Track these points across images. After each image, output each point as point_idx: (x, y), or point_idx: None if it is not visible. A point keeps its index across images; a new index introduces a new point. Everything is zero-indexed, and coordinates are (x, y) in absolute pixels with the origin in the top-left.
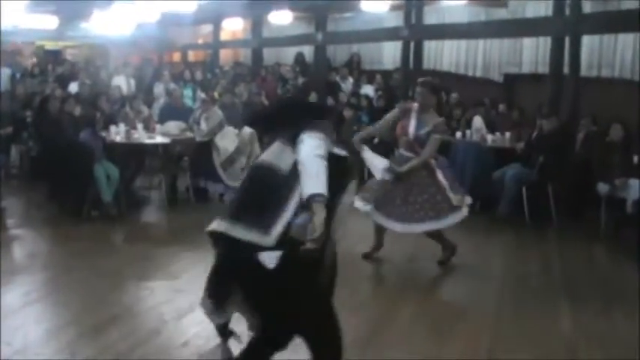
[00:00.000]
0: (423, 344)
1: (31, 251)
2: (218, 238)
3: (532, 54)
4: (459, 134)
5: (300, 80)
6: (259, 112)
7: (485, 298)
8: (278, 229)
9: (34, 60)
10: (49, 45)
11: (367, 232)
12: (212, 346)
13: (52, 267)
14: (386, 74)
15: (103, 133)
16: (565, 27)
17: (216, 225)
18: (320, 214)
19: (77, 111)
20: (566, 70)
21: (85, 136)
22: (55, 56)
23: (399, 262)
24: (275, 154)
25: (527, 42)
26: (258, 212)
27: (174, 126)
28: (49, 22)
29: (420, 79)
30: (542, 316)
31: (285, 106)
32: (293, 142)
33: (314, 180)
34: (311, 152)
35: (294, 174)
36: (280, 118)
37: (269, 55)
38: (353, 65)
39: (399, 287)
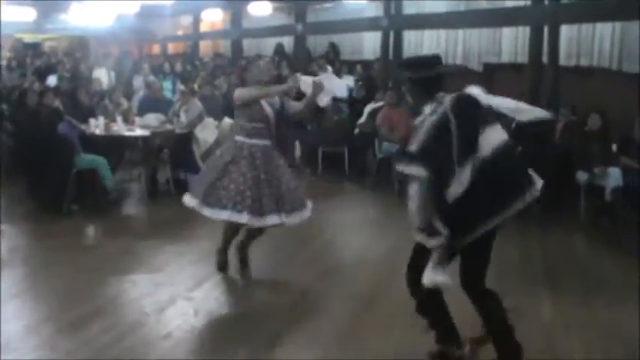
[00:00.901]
0: (404, 334)
1: (10, 246)
2: None
3: (511, 43)
4: None
5: (284, 71)
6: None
7: None
8: None
9: (8, 54)
10: (28, 37)
11: (350, 222)
12: (194, 338)
13: (32, 262)
14: (366, 64)
15: (83, 126)
16: (544, 16)
17: None
18: None
19: (56, 104)
20: (545, 59)
21: (64, 129)
22: (35, 49)
23: (380, 253)
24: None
25: (507, 31)
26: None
27: (153, 118)
28: (26, 14)
29: None
30: (522, 305)
31: None
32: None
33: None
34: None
35: None
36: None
37: (249, 46)
38: (329, 56)
39: (380, 277)
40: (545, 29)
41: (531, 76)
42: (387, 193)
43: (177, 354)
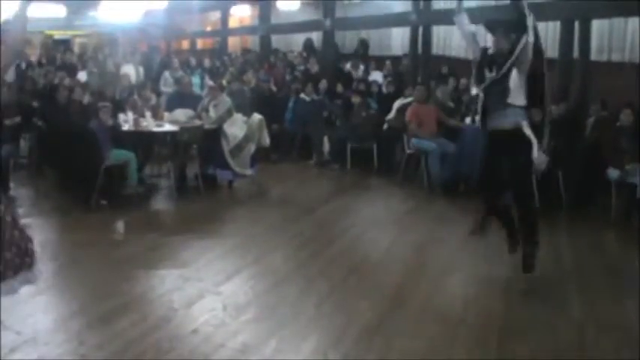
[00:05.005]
0: (432, 331)
1: (40, 240)
2: None
3: (542, 38)
4: (468, 120)
5: (313, 67)
6: None
7: (495, 284)
8: None
9: (37, 51)
10: (58, 34)
11: (378, 218)
12: (222, 333)
13: (61, 256)
14: (395, 60)
15: (110, 122)
16: (574, 11)
17: None
18: None
19: (85, 99)
20: (575, 54)
21: (94, 125)
22: (65, 45)
23: (407, 249)
24: None
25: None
26: None
27: (182, 114)
28: (57, 11)
29: None
30: (552, 303)
31: None
32: None
33: None
34: None
35: None
36: None
37: (277, 41)
38: (359, 52)
39: (408, 274)
40: (576, 24)
41: (562, 72)
42: (415, 189)
43: (205, 349)
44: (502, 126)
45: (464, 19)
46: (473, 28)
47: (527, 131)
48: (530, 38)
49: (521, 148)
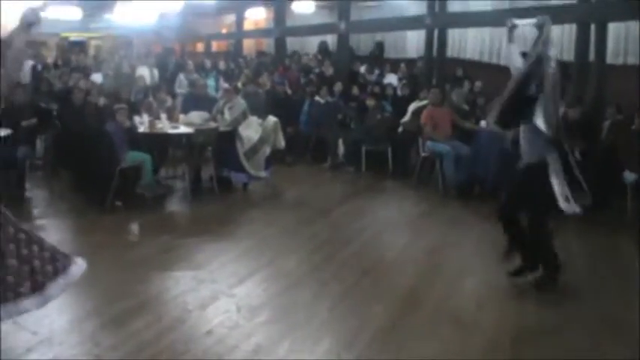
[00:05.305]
0: (445, 334)
1: (55, 241)
2: None
3: (557, 41)
4: (483, 123)
5: (327, 69)
6: None
7: (508, 287)
8: None
9: (53, 53)
10: (74, 36)
11: (392, 220)
12: (236, 334)
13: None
14: (410, 63)
15: (127, 123)
16: (591, 13)
17: None
18: None
19: (101, 102)
20: (591, 57)
21: (110, 127)
22: (80, 47)
23: (421, 252)
24: None
25: (553, 29)
26: None
27: (197, 116)
28: (72, 13)
29: None
30: (566, 306)
31: None
32: None
33: None
34: None
35: None
36: None
37: (292, 44)
38: (375, 54)
39: (422, 277)
40: (592, 27)
41: (577, 75)
42: (430, 192)
43: (219, 350)
44: (529, 161)
45: (514, 49)
46: (520, 61)
47: (553, 167)
48: (551, 69)
49: (543, 181)
